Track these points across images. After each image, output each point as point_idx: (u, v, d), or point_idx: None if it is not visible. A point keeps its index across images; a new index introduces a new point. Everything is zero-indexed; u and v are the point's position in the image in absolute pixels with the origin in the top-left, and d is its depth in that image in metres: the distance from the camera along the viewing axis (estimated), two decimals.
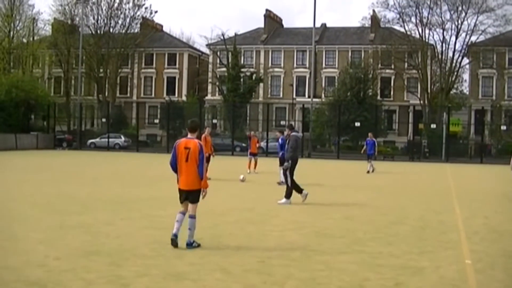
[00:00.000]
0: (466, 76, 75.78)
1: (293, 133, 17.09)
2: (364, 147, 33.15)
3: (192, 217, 9.65)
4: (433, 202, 17.95)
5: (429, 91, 67.82)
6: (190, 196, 9.65)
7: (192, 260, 8.76)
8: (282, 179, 18.99)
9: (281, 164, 20.04)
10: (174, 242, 9.51)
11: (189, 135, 9.76)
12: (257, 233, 11.43)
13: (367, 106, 62.26)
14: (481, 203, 18.24)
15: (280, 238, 10.94)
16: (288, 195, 16.36)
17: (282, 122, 66.81)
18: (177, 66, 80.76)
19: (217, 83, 73.69)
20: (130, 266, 8.24)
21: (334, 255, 9.50)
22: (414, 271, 8.37)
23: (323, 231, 11.88)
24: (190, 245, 9.61)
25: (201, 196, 9.73)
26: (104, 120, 66.25)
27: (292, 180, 16.36)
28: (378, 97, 69.56)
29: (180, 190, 9.74)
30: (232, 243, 10.36)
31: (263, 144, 58.28)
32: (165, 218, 12.48)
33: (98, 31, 74.24)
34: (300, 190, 16.47)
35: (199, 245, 9.70)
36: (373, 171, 31.44)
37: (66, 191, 18.33)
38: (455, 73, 69.84)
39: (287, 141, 17.08)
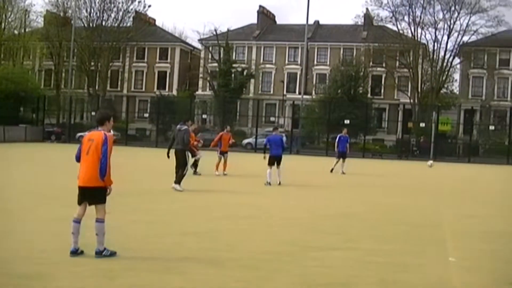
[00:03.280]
0: (456, 76, 76.06)
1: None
2: (336, 143, 29.64)
3: (100, 221, 8.23)
4: (421, 200, 18.05)
5: (419, 90, 67.99)
6: (88, 194, 8.28)
7: (183, 254, 8.81)
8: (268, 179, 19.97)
9: (272, 162, 20.63)
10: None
11: (98, 127, 8.50)
12: (250, 229, 11.50)
13: (358, 104, 62.31)
14: (468, 202, 18.34)
15: (273, 234, 11.01)
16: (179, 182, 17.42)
17: (272, 119, 67.00)
18: (168, 60, 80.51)
19: (208, 78, 73.56)
20: (118, 259, 8.23)
21: (327, 251, 9.59)
22: (399, 268, 8.46)
23: (318, 228, 11.97)
24: (99, 253, 8.23)
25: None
26: (94, 113, 65.96)
27: (186, 170, 17.79)
28: (369, 95, 69.68)
29: (78, 188, 8.41)
30: (225, 238, 10.38)
31: (251, 140, 58.47)
32: (158, 212, 12.54)
33: (91, 24, 73.69)
34: (179, 181, 17.37)
35: (112, 254, 8.31)
36: (342, 172, 28.17)
37: (54, 183, 18.33)
38: (446, 72, 70.04)
39: None
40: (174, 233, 10.46)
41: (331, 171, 28.55)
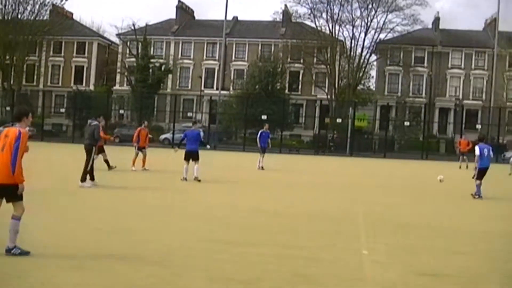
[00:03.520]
0: (373, 73, 77.48)
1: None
2: (258, 139, 29.65)
3: (15, 218, 8.06)
4: (335, 195, 18.14)
5: (336, 86, 68.95)
6: (3, 192, 8.06)
7: (96, 251, 8.45)
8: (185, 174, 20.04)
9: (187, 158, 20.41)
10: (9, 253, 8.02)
11: (16, 124, 8.39)
12: (164, 225, 11.33)
13: (275, 100, 62.75)
14: (380, 196, 18.52)
15: (188, 230, 10.88)
16: (84, 179, 17.21)
17: (189, 114, 66.70)
18: (86, 55, 79.28)
19: (126, 73, 72.64)
20: (30, 257, 7.94)
21: (243, 246, 9.52)
22: (313, 262, 8.46)
23: (234, 223, 11.91)
24: (9, 251, 8.00)
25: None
26: (8, 108, 64.22)
27: (91, 166, 17.51)
28: (286, 91, 70.33)
29: None
30: (139, 234, 10.09)
31: (169, 135, 58.11)
32: (71, 209, 12.12)
33: (6, 17, 71.47)
34: (84, 179, 17.19)
35: (23, 253, 8.00)
36: (262, 168, 28.34)
37: None
38: (363, 69, 71.27)
39: None
40: (88, 230, 10.17)
41: (262, 168, 28.34)
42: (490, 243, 10.76)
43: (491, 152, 19.03)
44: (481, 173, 18.47)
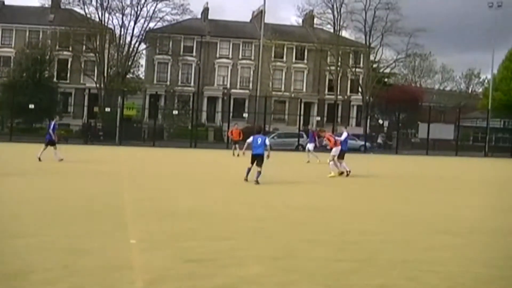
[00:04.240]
0: (142, 61, 77.67)
1: None
2: (50, 130, 28.94)
3: None
4: (105, 184, 18.08)
5: (105, 74, 68.24)
6: None
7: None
8: None
9: None
10: None
11: None
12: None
13: (43, 88, 60.91)
14: (149, 183, 18.74)
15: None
16: None
17: None
18: None
19: None
20: None
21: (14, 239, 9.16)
22: (81, 253, 8.37)
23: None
24: None
25: None
26: None
27: None
28: (55, 79, 68.49)
29: None
30: None
31: None
32: None
33: None
34: None
35: None
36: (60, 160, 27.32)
37: None
38: (132, 58, 71.23)
39: None
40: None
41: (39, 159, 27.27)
42: (252, 227, 11.31)
43: (266, 141, 20.58)
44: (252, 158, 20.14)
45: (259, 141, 20.20)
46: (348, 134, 26.58)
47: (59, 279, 7.01)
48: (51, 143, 28.40)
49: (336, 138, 26.14)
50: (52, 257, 8.04)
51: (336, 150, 24.72)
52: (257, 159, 20.00)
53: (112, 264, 7.78)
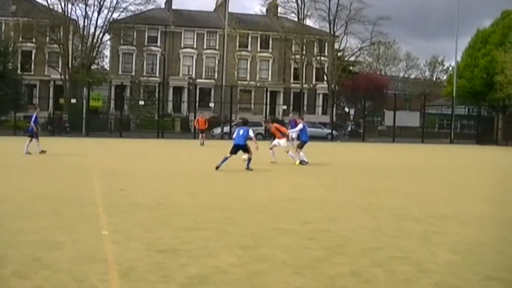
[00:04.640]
0: (107, 52, 77.11)
1: None
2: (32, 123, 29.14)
3: None
4: (71, 177, 18.01)
5: (70, 66, 67.66)
6: None
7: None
8: None
9: None
10: None
11: None
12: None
13: (7, 81, 60.31)
14: (118, 176, 18.70)
15: None
16: None
17: None
18: None
19: None
20: None
21: None
22: (52, 246, 8.36)
23: None
24: None
25: None
26: None
27: None
28: (19, 71, 67.80)
29: None
30: None
31: None
32: None
33: None
34: None
35: None
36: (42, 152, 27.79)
37: None
38: (97, 48, 70.67)
39: None
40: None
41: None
42: (223, 217, 11.39)
43: (250, 133, 21.36)
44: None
45: (241, 132, 21.08)
46: (304, 126, 25.33)
47: (31, 272, 7.01)
48: (30, 134, 28.68)
49: (290, 130, 26.20)
50: (23, 251, 8.02)
51: (284, 142, 24.85)
52: (240, 149, 21.00)
53: (83, 256, 7.79)
